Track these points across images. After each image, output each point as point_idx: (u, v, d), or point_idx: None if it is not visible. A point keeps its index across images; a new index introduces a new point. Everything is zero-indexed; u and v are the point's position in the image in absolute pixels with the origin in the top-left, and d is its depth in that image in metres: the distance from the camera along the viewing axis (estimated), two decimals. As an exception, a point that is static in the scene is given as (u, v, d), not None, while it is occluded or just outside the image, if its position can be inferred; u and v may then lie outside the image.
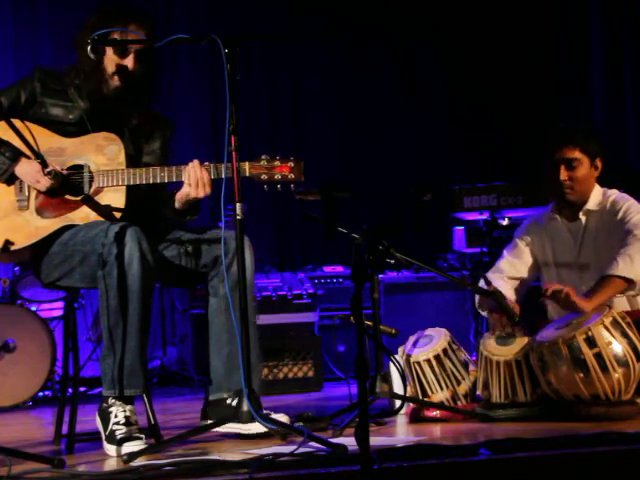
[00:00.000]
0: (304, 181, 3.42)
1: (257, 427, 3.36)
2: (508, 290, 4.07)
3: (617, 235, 3.95)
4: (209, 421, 3.52)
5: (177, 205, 3.47)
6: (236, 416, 3.28)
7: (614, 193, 4.10)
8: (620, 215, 3.98)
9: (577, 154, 4.02)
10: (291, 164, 3.40)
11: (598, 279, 3.83)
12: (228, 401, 3.49)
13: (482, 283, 3.98)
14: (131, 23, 3.48)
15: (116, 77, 3.50)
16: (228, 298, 3.32)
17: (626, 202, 4.02)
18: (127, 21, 3.48)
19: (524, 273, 4.20)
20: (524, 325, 3.83)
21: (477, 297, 4.13)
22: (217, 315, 3.56)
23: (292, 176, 3.39)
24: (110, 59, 3.50)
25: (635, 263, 3.79)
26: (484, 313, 4.09)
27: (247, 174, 3.36)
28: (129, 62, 3.49)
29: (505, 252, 4.26)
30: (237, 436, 3.46)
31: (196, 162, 3.38)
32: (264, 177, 3.38)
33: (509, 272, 4.18)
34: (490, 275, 4.14)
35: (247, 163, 3.36)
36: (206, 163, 3.40)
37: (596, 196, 4.08)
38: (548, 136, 4.17)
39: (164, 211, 3.54)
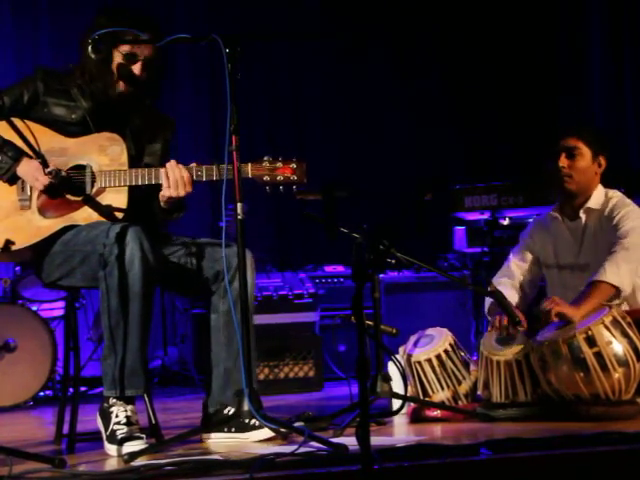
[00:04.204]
0: (306, 182, 3.42)
1: (254, 436, 3.37)
2: (514, 298, 4.07)
3: (610, 240, 3.95)
4: (211, 434, 3.52)
5: (162, 204, 3.48)
6: (236, 420, 3.30)
7: (617, 196, 4.09)
8: (615, 221, 3.98)
9: (579, 144, 4.04)
10: (293, 165, 3.39)
11: (586, 285, 3.83)
12: (225, 411, 3.49)
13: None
14: (136, 27, 3.45)
15: (122, 82, 3.50)
16: (232, 308, 3.33)
17: (625, 207, 4.01)
18: (131, 24, 3.45)
19: (532, 274, 4.21)
20: (526, 324, 3.83)
21: (486, 303, 4.14)
22: (216, 331, 3.56)
23: (295, 178, 3.39)
24: (118, 64, 3.49)
25: (621, 271, 3.80)
26: (491, 318, 4.08)
27: (249, 175, 3.36)
28: (136, 69, 3.49)
29: (511, 255, 4.26)
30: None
31: (173, 162, 3.38)
32: (266, 178, 3.38)
33: (518, 275, 4.18)
34: (500, 280, 4.15)
35: (249, 164, 3.36)
36: (193, 164, 3.40)
37: (598, 196, 4.08)
38: (552, 133, 4.19)
39: (155, 210, 3.55)
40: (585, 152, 4.05)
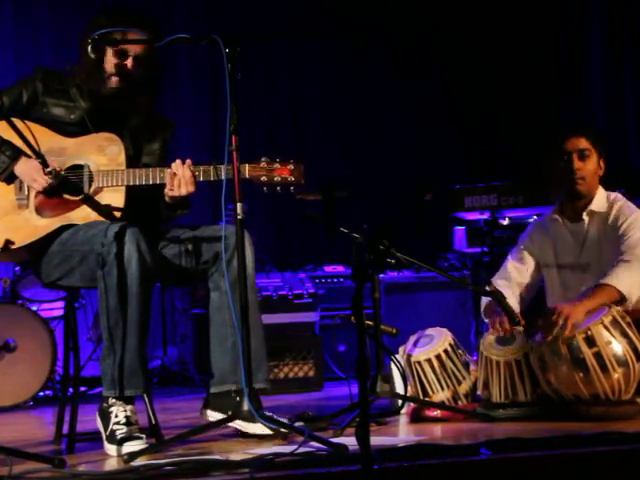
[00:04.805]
0: (304, 184, 3.43)
1: (256, 428, 3.37)
2: (511, 299, 4.06)
3: (617, 247, 3.94)
4: (209, 412, 3.52)
5: (167, 199, 3.48)
6: (238, 414, 3.29)
7: (620, 199, 4.06)
8: (622, 230, 3.96)
9: (588, 145, 4.03)
10: (291, 167, 3.40)
11: (593, 286, 3.82)
12: (234, 395, 3.49)
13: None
14: (133, 26, 3.48)
15: (114, 78, 3.51)
16: (229, 294, 3.33)
17: (631, 215, 3.99)
18: (129, 24, 3.48)
19: (530, 277, 4.20)
20: (525, 325, 3.83)
21: (482, 305, 4.13)
22: (219, 309, 3.55)
23: (292, 179, 3.39)
24: (109, 60, 3.51)
25: (633, 280, 3.78)
26: (487, 320, 4.07)
27: (247, 176, 3.37)
28: (127, 64, 3.50)
29: (510, 257, 4.25)
30: (237, 435, 3.47)
31: (178, 162, 3.40)
32: (264, 179, 3.38)
33: (515, 278, 4.17)
34: (497, 282, 4.14)
35: (247, 165, 3.37)
36: (188, 162, 3.40)
37: (600, 198, 4.07)
38: (553, 133, 4.17)
39: (158, 209, 3.55)
40: (593, 153, 4.04)
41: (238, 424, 3.40)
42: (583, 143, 4.03)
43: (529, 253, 4.21)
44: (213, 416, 3.50)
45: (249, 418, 3.33)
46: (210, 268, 3.57)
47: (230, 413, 3.37)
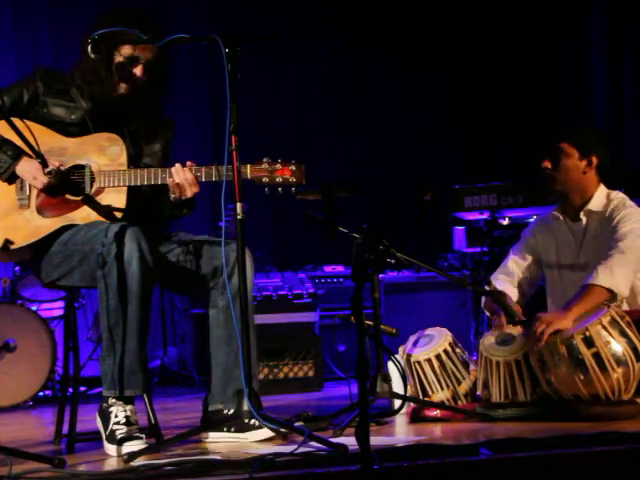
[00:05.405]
0: (305, 184, 3.43)
1: (253, 436, 3.37)
2: (513, 294, 4.07)
3: (608, 241, 3.95)
4: (210, 434, 3.52)
5: (172, 199, 3.48)
6: (235, 420, 3.30)
7: (618, 197, 4.07)
8: (614, 222, 3.97)
9: (563, 145, 4.05)
10: (292, 167, 3.40)
11: (579, 289, 3.82)
12: (225, 411, 3.50)
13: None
14: (134, 27, 3.46)
15: (123, 85, 3.51)
16: (230, 304, 3.34)
17: (625, 209, 4.00)
18: (131, 24, 3.46)
19: (530, 274, 4.20)
20: (525, 325, 3.83)
21: (483, 298, 4.14)
22: (215, 327, 3.57)
23: (293, 179, 3.40)
24: (118, 63, 3.50)
25: (615, 274, 3.78)
26: (488, 314, 4.08)
27: (248, 177, 3.37)
28: (137, 71, 3.51)
29: (511, 253, 4.26)
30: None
31: (178, 166, 3.40)
32: (265, 180, 3.39)
33: (516, 273, 4.18)
34: (498, 277, 4.15)
35: (248, 166, 3.37)
36: (189, 164, 3.40)
37: (599, 197, 4.07)
38: (552, 133, 4.20)
39: (161, 207, 3.55)
40: (570, 151, 4.04)
41: (235, 438, 3.40)
42: (557, 144, 4.05)
43: (531, 249, 4.22)
44: (213, 436, 3.49)
45: (244, 426, 3.34)
46: (208, 283, 3.57)
47: (225, 429, 3.41)
